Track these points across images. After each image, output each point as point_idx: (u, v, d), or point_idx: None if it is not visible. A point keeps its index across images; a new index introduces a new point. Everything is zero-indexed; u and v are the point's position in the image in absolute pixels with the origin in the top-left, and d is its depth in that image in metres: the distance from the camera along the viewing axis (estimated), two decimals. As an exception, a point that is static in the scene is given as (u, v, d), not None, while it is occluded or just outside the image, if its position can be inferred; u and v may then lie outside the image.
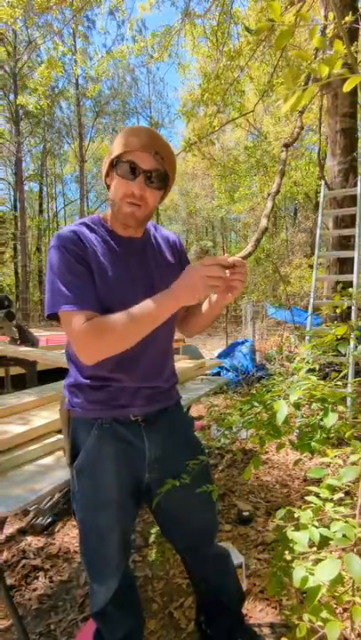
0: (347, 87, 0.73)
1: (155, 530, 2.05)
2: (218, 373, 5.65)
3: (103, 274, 1.04)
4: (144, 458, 1.13)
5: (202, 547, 1.27)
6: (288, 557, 0.68)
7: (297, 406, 0.86)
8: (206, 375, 3.30)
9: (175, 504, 1.16)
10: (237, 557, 1.73)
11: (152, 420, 1.14)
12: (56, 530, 2.27)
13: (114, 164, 1.04)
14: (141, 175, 1.01)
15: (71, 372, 1.14)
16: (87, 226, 1.09)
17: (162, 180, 1.06)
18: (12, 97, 18.98)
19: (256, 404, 1.00)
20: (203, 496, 1.09)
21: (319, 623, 0.58)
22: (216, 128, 6.19)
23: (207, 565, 1.31)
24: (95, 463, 1.08)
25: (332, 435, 0.93)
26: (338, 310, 1.26)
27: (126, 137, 1.02)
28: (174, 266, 1.21)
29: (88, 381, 1.09)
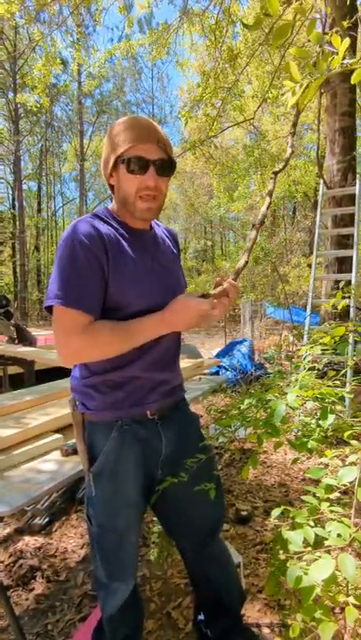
0: (355, 79, 0.72)
1: (156, 529, 2.05)
2: (216, 372, 5.64)
3: (120, 268, 1.03)
4: (159, 456, 1.14)
5: (208, 541, 1.27)
6: (282, 557, 0.68)
7: (295, 405, 0.86)
8: (205, 374, 3.30)
9: (185, 496, 1.17)
10: (236, 557, 1.72)
11: (167, 418, 1.15)
12: (54, 530, 2.26)
13: (120, 163, 1.03)
14: (152, 167, 1.02)
15: (82, 373, 1.11)
16: (100, 218, 1.08)
17: (169, 167, 1.06)
18: (10, 95, 18.91)
19: (254, 402, 0.99)
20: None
21: (313, 623, 0.57)
22: (216, 132, 6.18)
23: (210, 565, 1.31)
24: (114, 466, 1.07)
25: (330, 434, 0.93)
26: (339, 307, 1.25)
27: (126, 132, 1.01)
28: (177, 258, 1.25)
29: (106, 380, 1.07)
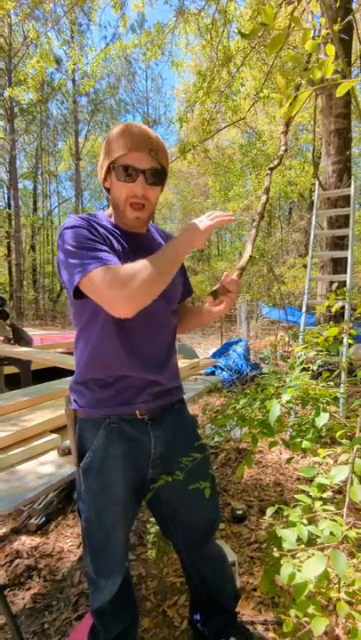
0: (339, 92, 0.74)
1: (154, 529, 2.06)
2: (212, 373, 5.66)
3: None
4: (149, 455, 1.14)
5: (202, 543, 1.28)
6: (276, 555, 0.69)
7: (289, 405, 0.87)
8: (200, 374, 3.31)
9: (178, 497, 1.18)
10: (231, 555, 1.74)
11: (158, 418, 1.15)
12: (50, 529, 2.27)
13: (111, 169, 1.06)
14: (141, 176, 1.03)
15: (77, 371, 1.14)
16: (93, 220, 1.10)
17: (160, 175, 1.08)
18: (5, 93, 18.80)
19: (250, 401, 1.01)
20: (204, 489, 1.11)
21: (306, 618, 0.59)
22: (210, 133, 6.21)
23: (205, 566, 1.32)
24: (102, 463, 1.09)
25: (323, 434, 0.94)
26: (333, 310, 1.27)
27: (119, 139, 1.03)
28: None
29: (96, 378, 1.09)
